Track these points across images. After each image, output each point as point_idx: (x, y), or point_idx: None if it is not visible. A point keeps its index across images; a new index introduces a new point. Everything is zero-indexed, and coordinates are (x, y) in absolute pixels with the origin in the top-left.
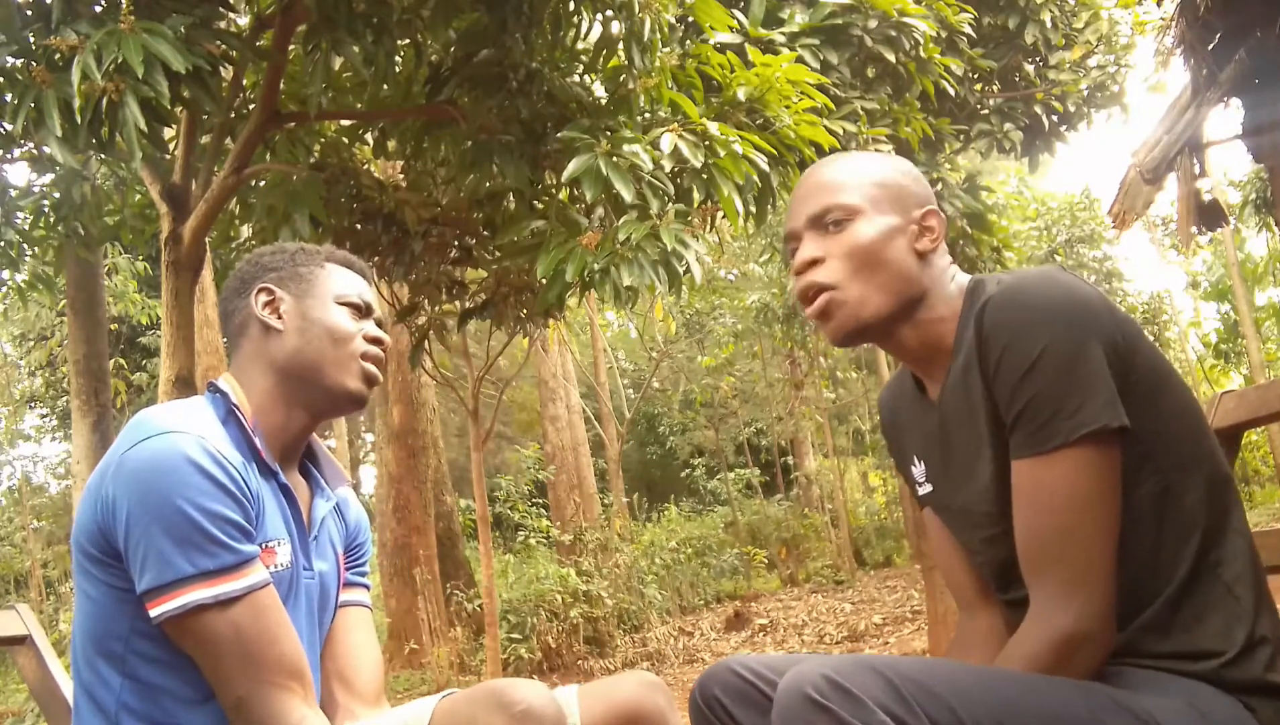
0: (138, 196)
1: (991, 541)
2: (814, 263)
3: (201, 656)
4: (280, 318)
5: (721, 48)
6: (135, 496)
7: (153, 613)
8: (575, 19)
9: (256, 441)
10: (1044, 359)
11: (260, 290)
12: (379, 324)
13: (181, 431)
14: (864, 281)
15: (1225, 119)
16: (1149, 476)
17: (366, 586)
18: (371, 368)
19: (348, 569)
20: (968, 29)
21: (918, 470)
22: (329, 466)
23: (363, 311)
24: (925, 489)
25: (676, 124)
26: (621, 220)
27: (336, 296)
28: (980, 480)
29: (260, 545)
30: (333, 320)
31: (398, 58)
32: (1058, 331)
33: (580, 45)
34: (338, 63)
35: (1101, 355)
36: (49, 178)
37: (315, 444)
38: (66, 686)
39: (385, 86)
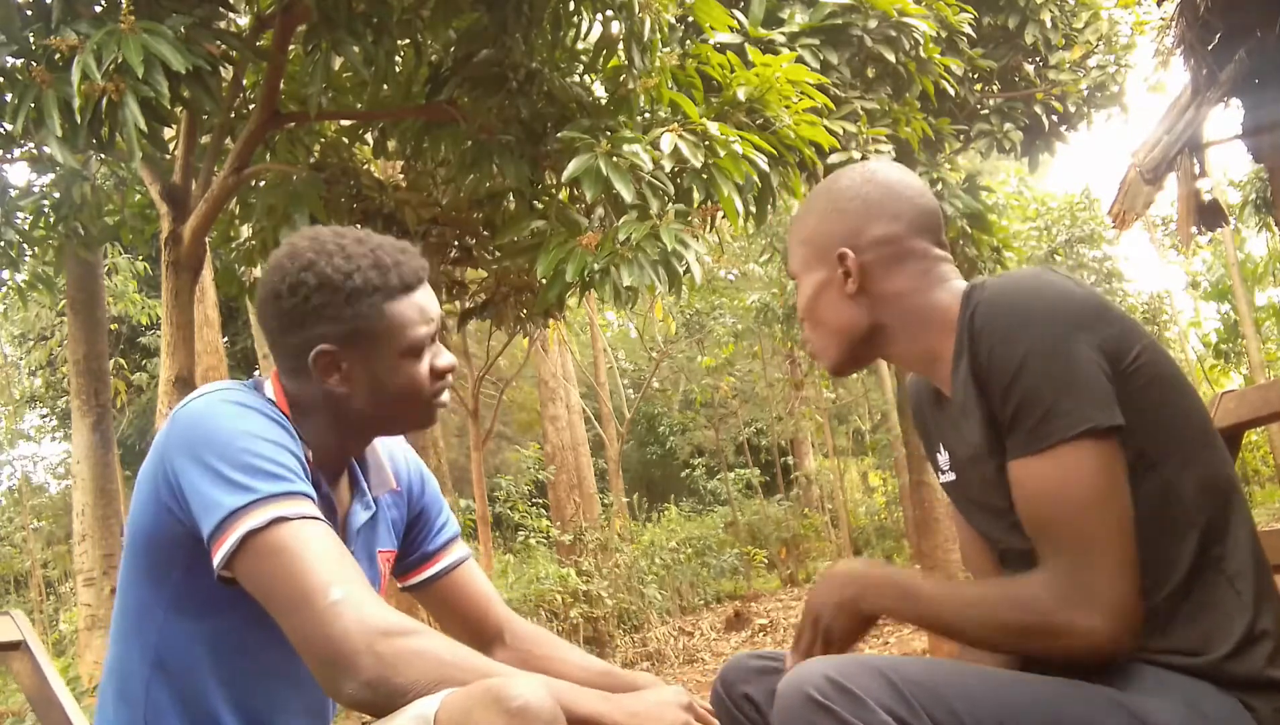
0: (138, 196)
1: (1013, 528)
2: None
3: (283, 569)
4: (346, 381)
5: (721, 48)
6: (187, 442)
7: (234, 535)
8: (575, 19)
9: (307, 454)
10: (1029, 360)
11: (318, 354)
12: (444, 337)
13: (232, 392)
14: (817, 336)
15: (1225, 119)
16: (1146, 474)
17: (454, 537)
18: (443, 399)
19: (438, 533)
20: (968, 29)
21: (942, 458)
22: (376, 472)
23: (429, 340)
24: (949, 477)
25: (676, 124)
26: (621, 220)
27: (403, 349)
28: (988, 476)
29: None
30: (404, 380)
31: (398, 58)
32: (1041, 333)
33: (580, 45)
34: (338, 63)
35: (1091, 354)
36: (49, 178)
37: (367, 450)
38: (63, 693)
39: (385, 86)
